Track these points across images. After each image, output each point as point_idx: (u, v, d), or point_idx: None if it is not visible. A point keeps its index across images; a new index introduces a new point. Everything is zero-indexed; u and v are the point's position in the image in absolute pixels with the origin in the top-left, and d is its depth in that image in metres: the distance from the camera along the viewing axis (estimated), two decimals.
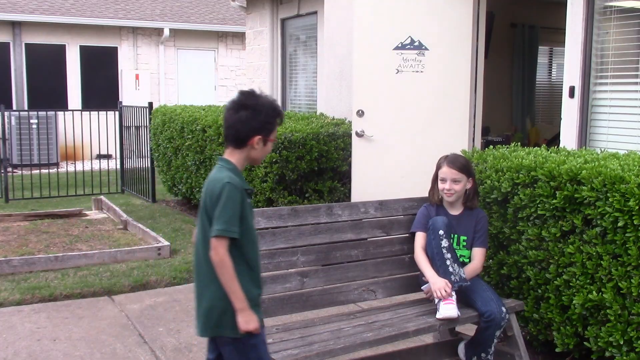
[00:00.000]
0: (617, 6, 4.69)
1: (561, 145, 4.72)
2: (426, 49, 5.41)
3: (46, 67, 14.63)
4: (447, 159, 3.68)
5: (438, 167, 3.71)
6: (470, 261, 3.62)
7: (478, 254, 3.62)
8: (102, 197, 8.72)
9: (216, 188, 2.49)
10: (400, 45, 5.47)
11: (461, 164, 3.65)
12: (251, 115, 2.57)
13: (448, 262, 3.40)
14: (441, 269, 3.41)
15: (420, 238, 3.63)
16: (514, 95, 9.91)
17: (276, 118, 2.65)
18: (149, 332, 4.33)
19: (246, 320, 2.50)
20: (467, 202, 3.68)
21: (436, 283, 3.36)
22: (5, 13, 13.88)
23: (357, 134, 5.67)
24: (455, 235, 3.62)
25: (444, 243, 3.44)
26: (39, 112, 12.51)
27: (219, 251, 2.46)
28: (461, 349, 3.68)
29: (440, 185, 3.67)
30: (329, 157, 6.01)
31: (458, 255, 3.54)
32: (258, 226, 3.37)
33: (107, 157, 11.43)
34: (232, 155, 2.61)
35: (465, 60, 5.34)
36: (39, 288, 5.06)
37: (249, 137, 2.57)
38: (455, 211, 3.69)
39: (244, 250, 2.55)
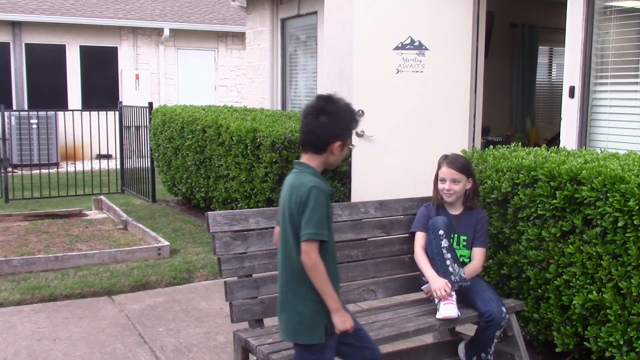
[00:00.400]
0: (617, 6, 4.69)
1: (561, 145, 4.72)
2: (426, 49, 5.41)
3: (46, 67, 14.63)
4: (446, 159, 3.67)
5: (438, 167, 3.69)
6: (470, 261, 3.62)
7: (478, 254, 3.62)
8: (102, 197, 8.72)
9: (302, 192, 2.51)
10: (400, 45, 5.47)
11: (461, 164, 3.63)
12: (332, 120, 2.59)
13: (448, 262, 3.40)
14: (441, 269, 3.41)
15: (420, 238, 3.63)
16: (514, 95, 9.91)
17: (354, 123, 2.70)
18: (149, 332, 4.33)
19: (342, 320, 2.54)
20: (467, 202, 3.68)
21: (436, 283, 3.36)
22: (5, 13, 13.88)
23: (357, 134, 5.67)
24: (455, 235, 3.62)
25: (444, 243, 3.44)
26: (39, 112, 12.51)
27: (312, 255, 2.48)
28: (461, 349, 3.68)
29: (440, 185, 3.66)
30: None
31: (458, 255, 3.54)
32: (258, 226, 3.37)
33: (107, 157, 11.43)
34: (311, 160, 2.63)
35: (465, 60, 5.34)
36: (39, 288, 5.06)
37: (329, 142, 2.60)
38: (455, 211, 3.69)
39: (324, 253, 2.56)
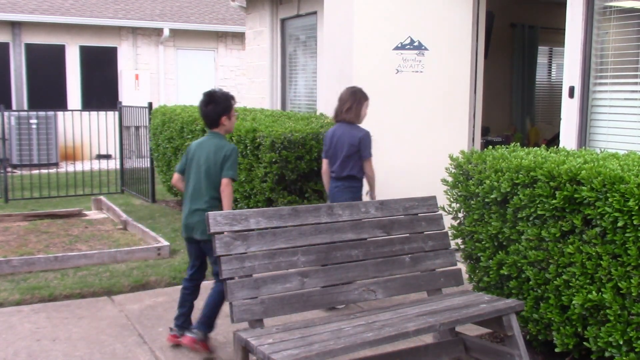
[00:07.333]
0: (617, 6, 4.70)
1: (561, 145, 4.72)
2: (426, 49, 5.42)
3: (46, 67, 14.62)
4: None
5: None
6: None
7: None
8: (101, 197, 8.72)
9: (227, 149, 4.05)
10: (400, 45, 5.48)
11: None
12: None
13: None
14: None
15: None
16: (513, 95, 9.91)
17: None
18: (149, 332, 4.33)
19: None
20: None
21: None
22: (5, 13, 13.87)
23: None
24: None
25: None
26: (39, 112, 12.51)
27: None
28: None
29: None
30: None
31: None
32: (258, 226, 3.37)
33: (107, 157, 11.43)
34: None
35: (465, 60, 5.34)
36: (38, 288, 5.05)
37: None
38: None
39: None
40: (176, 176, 4.24)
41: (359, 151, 4.56)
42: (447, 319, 3.34)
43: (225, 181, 3.94)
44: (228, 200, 3.93)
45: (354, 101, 4.60)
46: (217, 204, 3.97)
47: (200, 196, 3.99)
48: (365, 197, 4.72)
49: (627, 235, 3.12)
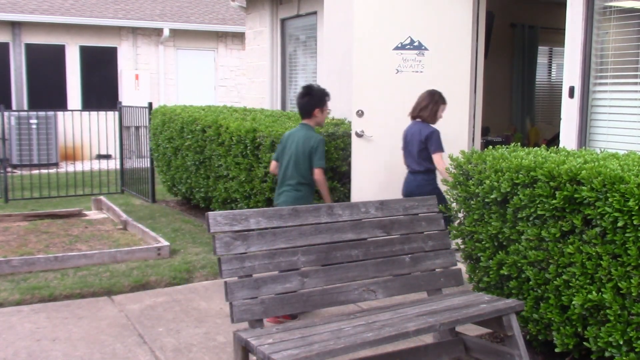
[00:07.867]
0: (617, 6, 4.70)
1: (561, 145, 4.72)
2: (426, 49, 5.42)
3: (46, 67, 14.63)
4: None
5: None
6: None
7: None
8: (101, 197, 8.72)
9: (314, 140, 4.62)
10: (400, 45, 5.48)
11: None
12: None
13: None
14: None
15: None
16: (513, 95, 9.91)
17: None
18: (149, 333, 4.33)
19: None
20: None
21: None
22: (5, 13, 13.87)
23: (356, 134, 5.68)
24: None
25: None
26: (39, 112, 12.52)
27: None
28: None
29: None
30: (329, 157, 6.00)
31: None
32: (258, 226, 3.37)
33: (107, 157, 11.44)
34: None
35: (465, 60, 5.35)
36: (38, 288, 5.06)
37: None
38: None
39: None
40: (273, 163, 4.83)
41: (427, 147, 4.96)
42: (447, 319, 3.34)
43: (317, 171, 4.53)
44: (324, 187, 4.61)
45: (430, 101, 5.01)
46: (301, 189, 4.58)
47: (287, 180, 4.59)
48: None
49: (627, 235, 3.12)
